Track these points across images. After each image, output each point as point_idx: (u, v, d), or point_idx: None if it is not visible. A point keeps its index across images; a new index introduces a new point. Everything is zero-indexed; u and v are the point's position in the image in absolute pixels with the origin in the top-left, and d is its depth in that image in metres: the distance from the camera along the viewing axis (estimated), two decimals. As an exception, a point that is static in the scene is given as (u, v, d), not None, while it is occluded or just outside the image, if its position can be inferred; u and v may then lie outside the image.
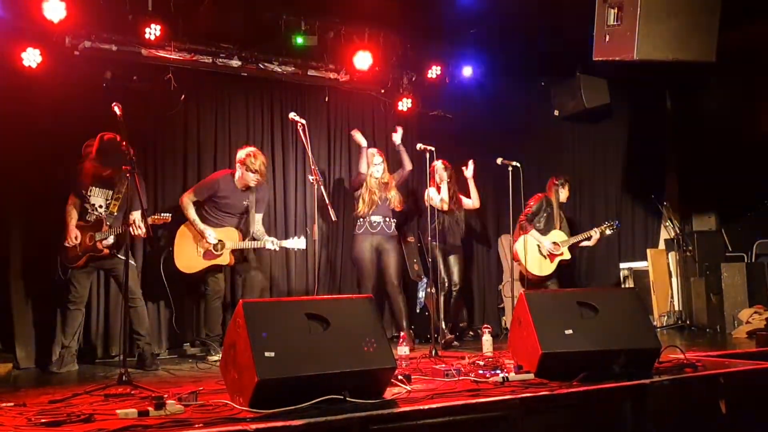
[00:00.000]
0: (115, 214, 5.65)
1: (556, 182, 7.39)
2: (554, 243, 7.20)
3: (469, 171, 7.22)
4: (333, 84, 7.70)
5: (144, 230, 5.27)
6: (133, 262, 5.69)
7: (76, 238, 5.55)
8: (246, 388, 3.37)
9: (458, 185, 7.27)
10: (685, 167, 8.52)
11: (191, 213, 6.19)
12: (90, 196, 5.64)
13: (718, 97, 8.09)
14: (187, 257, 6.19)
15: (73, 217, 5.63)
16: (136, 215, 5.48)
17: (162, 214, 5.70)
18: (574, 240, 7.29)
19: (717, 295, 7.47)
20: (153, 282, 6.40)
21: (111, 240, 5.61)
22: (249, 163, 6.14)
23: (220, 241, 6.13)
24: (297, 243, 6.26)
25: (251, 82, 7.33)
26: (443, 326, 6.71)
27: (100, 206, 5.66)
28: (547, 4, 6.74)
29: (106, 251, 5.60)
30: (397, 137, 6.97)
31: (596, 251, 8.44)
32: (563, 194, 7.42)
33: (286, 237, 6.66)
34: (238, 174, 6.24)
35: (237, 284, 6.82)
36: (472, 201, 7.36)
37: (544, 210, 7.33)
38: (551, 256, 7.19)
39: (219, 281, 6.30)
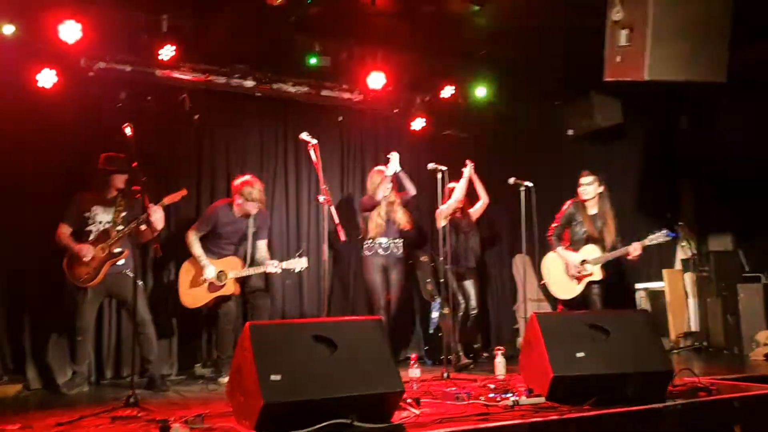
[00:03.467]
0: (119, 224, 5.64)
1: (579, 181, 6.65)
2: (583, 261, 6.51)
3: (468, 170, 6.89)
4: (347, 104, 7.74)
5: (160, 214, 5.42)
6: (141, 283, 5.71)
7: (89, 251, 5.54)
8: (252, 411, 3.35)
9: (467, 199, 7.11)
10: (700, 187, 8.43)
11: (196, 249, 6.20)
12: (94, 215, 5.67)
13: (732, 116, 8.02)
14: (192, 292, 6.20)
15: (71, 240, 5.60)
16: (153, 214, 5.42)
17: (175, 193, 5.77)
18: (608, 257, 6.44)
19: (734, 316, 7.37)
20: (164, 302, 6.42)
21: (119, 249, 5.64)
22: (247, 194, 6.16)
23: (221, 271, 6.15)
24: (299, 263, 6.18)
25: (265, 103, 7.38)
26: (459, 349, 6.68)
27: (108, 222, 5.67)
28: (561, 24, 6.73)
29: (127, 253, 5.63)
30: (395, 164, 6.79)
31: (611, 272, 8.36)
32: (585, 192, 6.61)
33: (300, 257, 6.63)
34: (237, 202, 6.25)
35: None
36: (481, 199, 7.17)
37: (573, 218, 6.63)
38: (578, 278, 6.55)
39: (230, 305, 6.29)
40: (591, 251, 6.53)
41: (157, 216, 5.42)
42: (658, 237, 6.38)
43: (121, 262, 5.65)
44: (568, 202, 6.74)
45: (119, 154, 5.55)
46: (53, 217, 5.91)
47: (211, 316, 6.52)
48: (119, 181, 5.70)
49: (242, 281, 6.29)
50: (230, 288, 6.14)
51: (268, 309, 6.46)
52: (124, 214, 5.66)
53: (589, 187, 6.63)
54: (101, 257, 5.57)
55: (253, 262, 6.28)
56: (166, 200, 5.72)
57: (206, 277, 6.09)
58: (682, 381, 4.57)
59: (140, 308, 5.58)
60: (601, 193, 6.66)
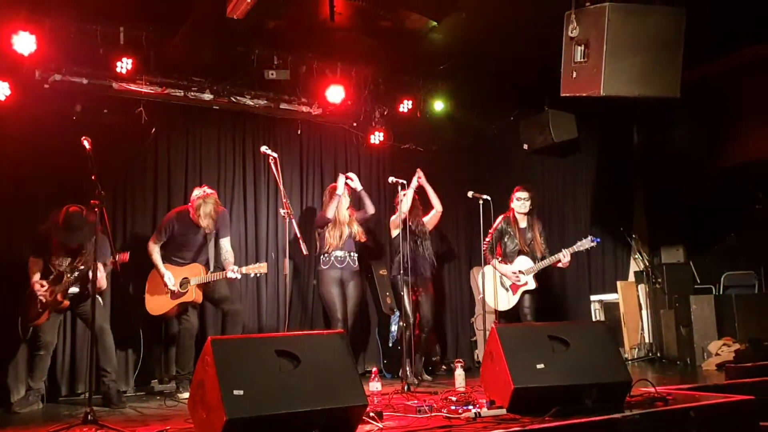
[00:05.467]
0: (81, 268, 5.58)
1: (515, 196, 6.91)
2: (518, 272, 6.78)
3: (416, 179, 6.91)
4: (305, 117, 7.74)
5: (102, 275, 5.46)
6: (99, 299, 5.60)
7: (42, 286, 5.54)
8: (215, 427, 3.31)
9: (420, 208, 7.11)
10: (653, 200, 8.63)
11: (155, 258, 6.18)
12: (55, 259, 5.63)
13: (684, 131, 8.23)
14: (156, 299, 6.18)
15: (35, 272, 5.62)
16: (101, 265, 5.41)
17: (119, 256, 5.62)
18: (540, 266, 6.75)
19: (686, 327, 7.52)
20: (121, 319, 6.32)
21: (76, 289, 5.63)
22: (198, 208, 6.07)
23: (185, 278, 6.09)
24: (258, 268, 6.11)
25: (223, 116, 7.34)
26: (420, 364, 6.73)
27: (68, 266, 5.61)
28: (516, 40, 6.85)
29: (66, 303, 5.60)
30: (356, 183, 6.92)
31: (567, 284, 8.50)
32: (517, 206, 6.87)
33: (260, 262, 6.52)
34: (191, 214, 6.18)
35: (209, 320, 6.75)
36: (434, 207, 7.12)
37: (506, 232, 6.88)
38: (513, 287, 6.81)
39: (191, 319, 6.24)
40: (524, 262, 6.82)
41: (100, 275, 5.34)
42: (585, 243, 6.70)
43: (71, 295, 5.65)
44: (500, 217, 6.96)
45: (82, 209, 5.40)
46: (4, 234, 5.80)
47: (172, 332, 6.43)
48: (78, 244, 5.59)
49: (208, 292, 6.22)
50: (192, 295, 6.08)
51: (242, 313, 6.46)
52: (82, 267, 5.56)
53: (526, 202, 6.90)
54: (48, 301, 5.57)
55: (218, 265, 6.21)
56: (109, 263, 5.63)
57: (169, 286, 6.05)
58: (639, 391, 4.64)
59: (98, 317, 5.43)
60: (531, 208, 6.97)
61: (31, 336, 5.64)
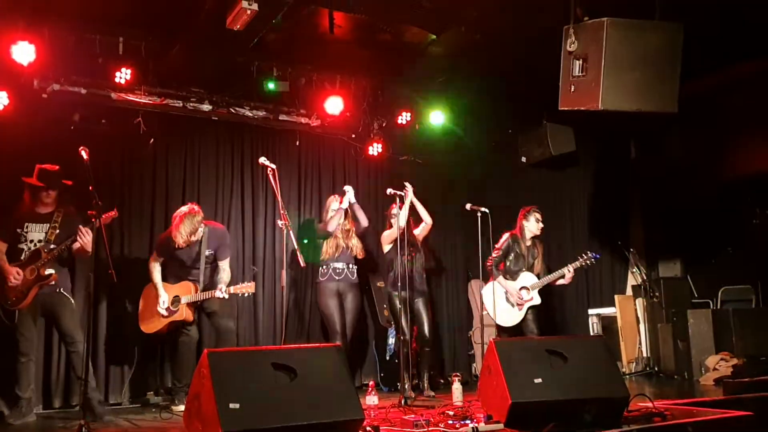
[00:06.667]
0: (52, 242, 5.43)
1: (524, 213, 6.97)
2: (522, 288, 6.80)
3: (409, 194, 6.79)
4: (304, 129, 7.74)
5: (89, 238, 5.15)
6: (72, 302, 5.53)
7: (18, 275, 5.34)
8: (210, 440, 3.30)
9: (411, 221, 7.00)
10: (650, 214, 8.64)
11: (155, 276, 6.11)
12: (26, 233, 5.46)
13: (681, 145, 8.25)
14: (148, 318, 6.12)
15: (4, 260, 5.42)
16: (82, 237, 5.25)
17: (105, 215, 5.32)
18: (545, 281, 6.79)
19: (684, 341, 7.51)
20: (117, 328, 6.28)
21: (52, 270, 5.41)
22: (178, 226, 5.94)
23: (176, 296, 6.04)
24: (245, 288, 5.98)
25: (222, 127, 7.34)
26: (424, 377, 6.74)
27: (39, 240, 5.45)
28: (515, 54, 6.87)
29: (55, 276, 5.40)
30: (350, 196, 6.90)
31: (565, 298, 8.49)
32: (532, 226, 6.92)
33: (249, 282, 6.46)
34: (175, 234, 6.03)
35: (206, 335, 6.71)
36: (424, 221, 7.07)
37: (512, 250, 6.90)
38: (519, 303, 6.79)
39: (191, 332, 6.16)
40: (528, 278, 6.86)
41: (86, 239, 5.22)
42: (586, 260, 6.81)
43: (51, 283, 5.44)
44: (507, 235, 6.99)
45: (53, 166, 5.39)
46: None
47: (170, 344, 6.39)
48: (52, 196, 5.49)
49: (199, 306, 6.17)
50: (182, 314, 6.00)
51: (233, 331, 6.32)
52: (57, 232, 5.44)
53: (540, 224, 6.95)
54: (29, 280, 5.36)
55: (211, 285, 6.14)
56: (97, 223, 5.27)
57: (160, 302, 6.00)
58: (637, 406, 4.63)
59: (70, 325, 5.43)
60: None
61: (13, 339, 5.41)
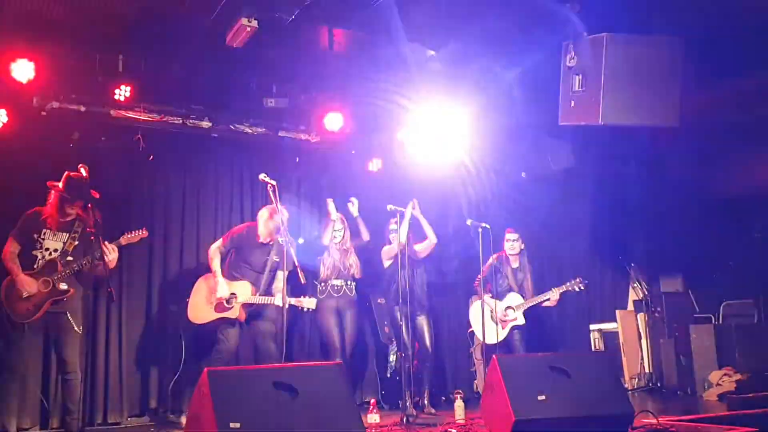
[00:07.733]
0: (70, 254, 5.14)
1: (506, 237, 7.21)
2: (508, 308, 7.02)
3: (410, 209, 6.76)
4: (304, 145, 7.72)
5: (114, 255, 5.05)
6: (76, 329, 5.16)
7: (30, 290, 4.97)
8: (211, 461, 3.26)
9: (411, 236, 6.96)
10: (650, 229, 8.62)
11: (215, 264, 6.14)
12: (43, 239, 5.13)
13: (682, 160, 8.24)
14: (199, 308, 6.10)
15: (17, 265, 5.05)
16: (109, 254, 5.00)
17: (134, 232, 5.41)
18: (530, 303, 7.01)
19: (686, 356, 7.47)
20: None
21: (67, 286, 5.09)
22: (267, 222, 6.19)
23: (233, 293, 6.02)
24: (307, 302, 6.09)
25: (221, 143, 7.31)
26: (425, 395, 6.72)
27: (55, 250, 5.14)
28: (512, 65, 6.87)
29: (72, 291, 5.09)
30: (354, 209, 6.96)
31: (566, 313, 8.44)
32: (511, 248, 7.15)
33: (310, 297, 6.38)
34: (261, 227, 6.23)
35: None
36: (428, 238, 7.00)
37: (498, 271, 7.13)
38: (503, 322, 6.99)
39: (230, 340, 6.08)
40: (514, 299, 7.10)
41: (112, 257, 5.05)
42: (573, 285, 6.99)
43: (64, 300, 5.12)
44: (494, 256, 7.19)
45: (82, 175, 4.87)
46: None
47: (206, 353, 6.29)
48: (77, 207, 5.16)
49: (251, 315, 6.17)
50: (235, 312, 6.00)
51: (277, 359, 6.04)
52: (76, 244, 5.17)
53: (515, 243, 7.20)
54: (44, 293, 5.01)
55: (268, 292, 6.16)
56: (123, 240, 5.33)
57: (218, 294, 5.97)
58: (642, 423, 4.59)
59: (71, 354, 5.12)
60: (522, 249, 7.23)
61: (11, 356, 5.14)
